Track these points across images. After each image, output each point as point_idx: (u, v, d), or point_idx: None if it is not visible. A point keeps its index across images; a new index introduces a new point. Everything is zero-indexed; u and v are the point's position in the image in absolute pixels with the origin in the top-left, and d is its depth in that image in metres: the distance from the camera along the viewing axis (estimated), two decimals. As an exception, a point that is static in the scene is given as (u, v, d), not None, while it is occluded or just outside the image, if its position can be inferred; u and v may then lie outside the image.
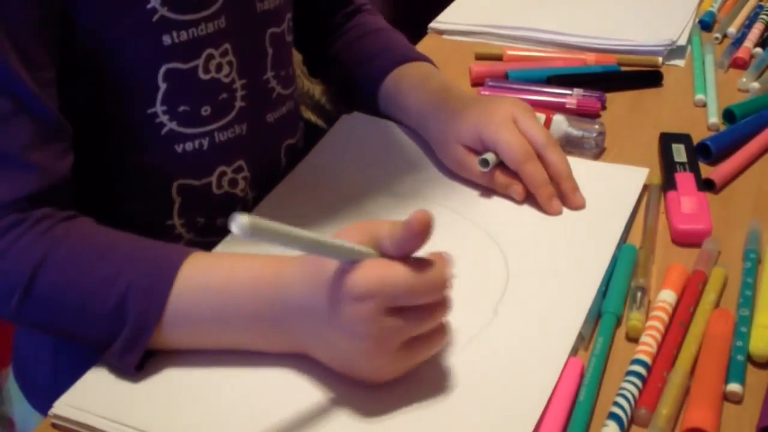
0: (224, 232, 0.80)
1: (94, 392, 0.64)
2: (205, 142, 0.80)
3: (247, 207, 0.85)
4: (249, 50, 0.82)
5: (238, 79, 0.81)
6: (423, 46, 1.17)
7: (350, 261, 0.59)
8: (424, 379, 0.63)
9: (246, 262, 0.66)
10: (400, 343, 0.60)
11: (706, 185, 0.84)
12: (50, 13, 0.69)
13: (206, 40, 0.77)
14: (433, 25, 1.20)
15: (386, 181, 0.87)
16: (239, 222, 0.49)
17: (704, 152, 0.90)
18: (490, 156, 0.82)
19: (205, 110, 0.79)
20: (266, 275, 0.64)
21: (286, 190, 0.86)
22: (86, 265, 0.65)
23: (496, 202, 0.83)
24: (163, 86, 0.76)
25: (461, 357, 0.65)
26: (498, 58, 1.13)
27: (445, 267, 0.60)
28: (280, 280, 0.63)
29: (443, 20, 1.20)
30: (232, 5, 0.78)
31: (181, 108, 0.78)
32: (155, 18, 0.73)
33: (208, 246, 0.77)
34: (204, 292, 0.64)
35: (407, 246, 0.59)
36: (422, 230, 0.58)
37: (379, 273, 0.58)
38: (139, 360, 0.64)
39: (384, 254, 0.60)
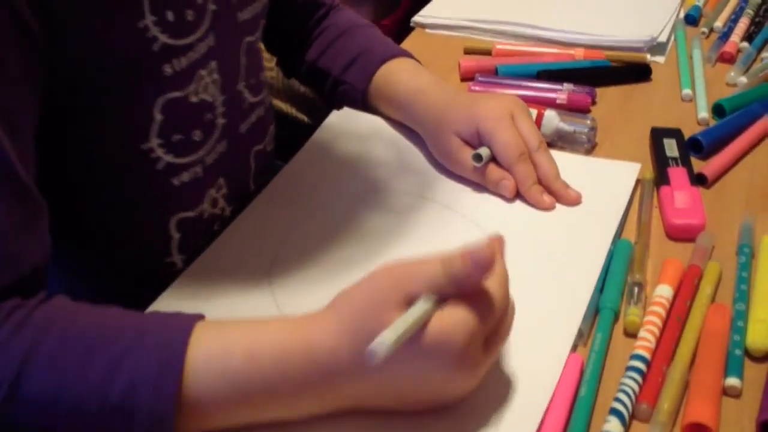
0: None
1: None
2: (199, 170, 0.77)
3: (226, 223, 0.81)
4: (228, 64, 0.78)
5: (219, 96, 0.77)
6: (411, 42, 1.17)
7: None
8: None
9: (264, 335, 0.58)
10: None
11: (698, 180, 0.85)
12: (40, 62, 0.61)
13: (199, 62, 0.73)
14: (416, 19, 1.20)
15: (380, 178, 0.87)
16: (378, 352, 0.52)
17: (695, 147, 0.90)
18: (484, 151, 0.82)
19: (196, 135, 0.75)
20: (294, 348, 0.57)
21: (279, 187, 0.86)
22: (78, 362, 0.55)
23: (488, 199, 0.83)
24: (159, 118, 0.71)
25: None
26: (487, 52, 1.13)
27: (500, 271, 0.59)
28: (315, 352, 0.57)
29: (427, 14, 1.20)
30: (218, 20, 0.74)
31: (176, 137, 0.73)
32: (156, 47, 0.68)
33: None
34: (223, 378, 0.57)
35: (471, 281, 0.57)
36: (488, 264, 0.56)
37: (465, 317, 0.56)
38: None
39: (441, 294, 0.57)
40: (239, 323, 0.60)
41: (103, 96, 0.68)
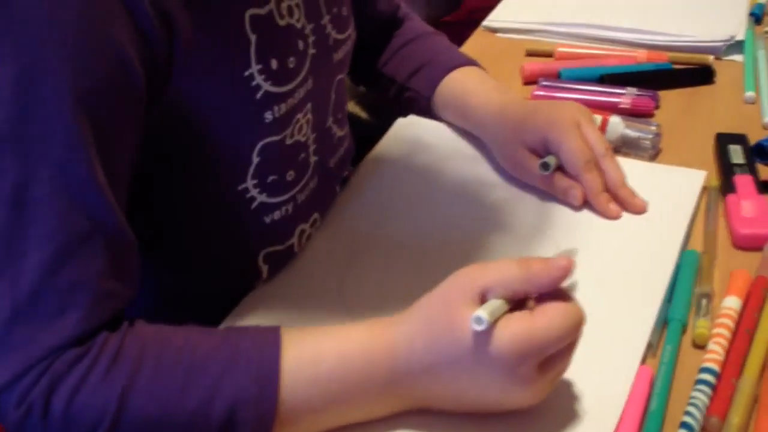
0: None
1: None
2: (290, 208, 0.77)
3: None
4: (321, 103, 0.80)
5: (311, 135, 0.78)
6: (473, 43, 1.18)
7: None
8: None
9: (352, 338, 0.61)
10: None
11: (765, 187, 0.85)
12: (139, 111, 0.62)
13: (298, 107, 0.74)
14: (486, 23, 1.21)
15: (445, 185, 0.89)
16: (481, 320, 0.56)
17: (761, 152, 0.90)
18: (551, 159, 0.84)
19: (290, 175, 0.76)
20: (380, 349, 0.60)
21: (346, 200, 0.88)
22: (177, 388, 0.57)
23: (557, 208, 0.85)
24: (256, 160, 0.72)
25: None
26: (549, 54, 1.14)
27: (575, 304, 0.60)
28: (397, 351, 0.60)
29: (495, 18, 1.21)
30: (316, 62, 0.76)
31: (270, 178, 0.74)
32: (259, 95, 0.69)
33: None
34: (315, 382, 0.60)
35: (547, 282, 0.59)
36: (565, 271, 0.59)
37: (527, 335, 0.58)
38: None
39: (515, 296, 0.60)
40: (322, 329, 0.63)
41: (205, 139, 0.68)
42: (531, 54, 1.15)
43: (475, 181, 0.89)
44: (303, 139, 0.77)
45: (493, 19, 1.21)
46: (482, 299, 0.59)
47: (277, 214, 0.76)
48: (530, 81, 1.08)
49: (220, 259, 0.77)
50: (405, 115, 1.00)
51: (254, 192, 0.73)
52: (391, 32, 1.03)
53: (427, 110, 0.98)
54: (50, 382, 0.56)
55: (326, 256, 0.81)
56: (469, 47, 1.16)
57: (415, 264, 0.79)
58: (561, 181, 0.84)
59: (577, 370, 0.66)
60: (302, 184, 0.78)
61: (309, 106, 0.76)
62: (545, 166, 0.84)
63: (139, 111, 0.62)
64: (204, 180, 0.72)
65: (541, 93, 1.03)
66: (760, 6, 1.20)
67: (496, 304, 0.58)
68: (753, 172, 0.86)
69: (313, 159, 0.79)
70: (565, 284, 0.61)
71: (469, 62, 0.98)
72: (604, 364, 0.67)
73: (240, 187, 0.72)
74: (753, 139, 0.92)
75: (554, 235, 0.81)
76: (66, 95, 0.55)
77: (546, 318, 0.58)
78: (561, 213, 0.84)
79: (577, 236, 0.80)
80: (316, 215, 0.82)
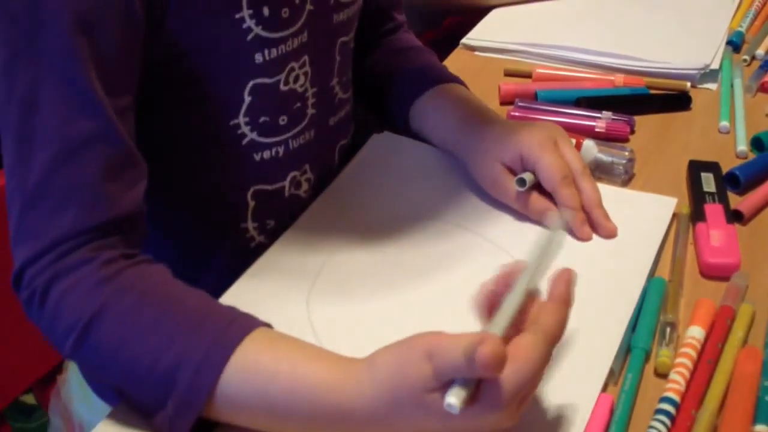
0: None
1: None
2: (281, 150, 0.84)
3: (305, 208, 0.88)
4: (321, 60, 0.85)
5: (310, 88, 0.84)
6: (452, 61, 1.18)
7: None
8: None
9: (311, 363, 0.61)
10: None
11: (735, 217, 0.85)
12: (138, 36, 0.69)
13: (291, 54, 0.80)
14: (465, 41, 1.21)
15: (418, 203, 0.88)
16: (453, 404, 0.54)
17: (732, 181, 0.91)
18: (527, 176, 0.84)
19: (282, 120, 0.83)
20: (330, 384, 0.60)
21: (318, 212, 0.88)
22: (143, 326, 0.62)
23: (528, 228, 0.84)
24: (247, 100, 0.78)
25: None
26: (527, 75, 1.14)
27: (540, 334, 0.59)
28: (345, 395, 0.59)
29: (475, 37, 1.21)
30: (314, 19, 0.81)
31: (262, 119, 0.81)
32: (249, 37, 0.75)
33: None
34: (258, 385, 0.61)
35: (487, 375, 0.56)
36: (499, 364, 0.55)
37: (508, 387, 0.56)
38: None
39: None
40: (290, 347, 0.63)
41: (199, 74, 0.75)
42: (509, 74, 1.15)
43: (447, 199, 0.89)
44: (300, 90, 0.83)
45: (472, 37, 1.21)
46: (439, 380, 0.56)
47: (266, 153, 0.83)
48: (507, 101, 1.08)
49: (214, 187, 0.83)
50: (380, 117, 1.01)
51: (245, 129, 0.80)
52: (381, 24, 1.05)
53: (404, 121, 0.98)
54: (52, 276, 0.64)
55: (296, 261, 0.81)
56: (447, 64, 1.14)
57: (384, 278, 0.79)
58: (537, 202, 0.84)
59: (539, 393, 0.66)
60: (296, 132, 0.85)
61: (306, 59, 0.82)
62: (521, 181, 0.84)
63: (138, 41, 0.69)
64: (199, 113, 0.78)
65: (518, 114, 1.03)
66: (739, 34, 1.21)
67: (461, 384, 0.56)
68: (723, 201, 0.86)
69: (310, 112, 0.86)
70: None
71: (455, 79, 0.99)
72: (565, 390, 0.66)
73: (232, 122, 0.79)
74: (725, 167, 0.92)
75: (523, 257, 0.80)
76: (65, 17, 0.63)
77: (511, 368, 0.56)
78: (533, 233, 0.83)
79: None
80: (306, 166, 0.88)
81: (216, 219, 0.85)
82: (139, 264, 0.67)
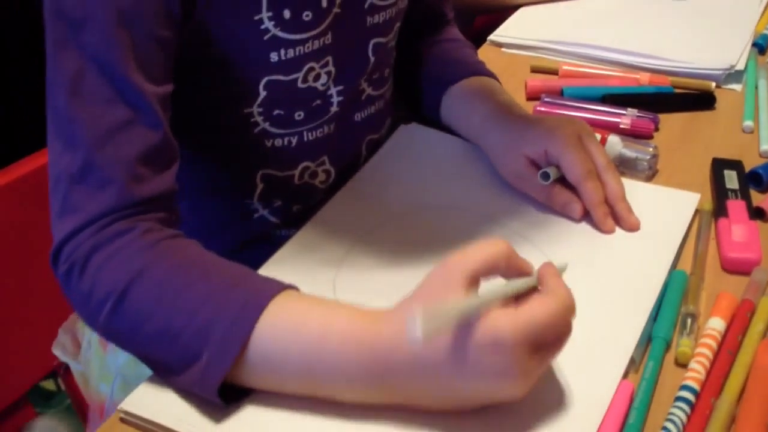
0: (301, 217, 0.88)
1: (163, 390, 0.67)
2: (294, 140, 0.87)
3: (321, 197, 0.91)
4: (349, 60, 0.87)
5: (333, 86, 0.86)
6: (480, 57, 1.19)
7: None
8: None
9: (342, 314, 0.64)
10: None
11: (757, 213, 0.86)
12: (174, 29, 0.73)
13: (310, 55, 0.82)
14: (492, 37, 1.23)
15: (443, 194, 0.90)
16: (414, 332, 0.56)
17: (755, 180, 0.92)
18: (551, 170, 0.85)
19: (299, 115, 0.85)
20: (365, 332, 0.62)
21: (341, 202, 0.89)
22: (180, 287, 0.65)
23: (551, 220, 0.86)
24: (263, 93, 0.82)
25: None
26: (554, 72, 1.15)
27: (567, 291, 0.62)
28: (380, 339, 0.61)
29: (502, 33, 1.23)
30: (341, 21, 0.82)
31: (276, 112, 0.84)
32: (266, 37, 0.78)
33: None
34: (291, 334, 0.63)
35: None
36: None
37: (516, 320, 0.59)
38: (218, 389, 0.63)
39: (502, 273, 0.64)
40: (319, 301, 0.66)
41: (218, 62, 0.79)
42: (535, 70, 1.16)
43: (472, 190, 0.90)
44: (322, 88, 0.85)
45: (499, 34, 1.23)
46: (470, 284, 0.61)
47: (278, 141, 0.86)
48: (533, 97, 1.09)
49: (227, 165, 0.88)
50: (412, 106, 1.02)
51: (258, 119, 0.84)
52: (437, 20, 1.08)
53: (435, 111, 1.00)
54: (93, 246, 0.67)
55: (320, 249, 0.82)
56: (475, 60, 1.17)
57: (407, 268, 0.80)
58: (561, 194, 0.85)
59: (560, 379, 0.67)
60: (313, 126, 0.87)
61: (329, 59, 0.84)
62: (545, 175, 0.85)
63: (174, 33, 0.73)
64: (215, 97, 0.82)
65: (544, 109, 1.04)
66: (765, 36, 1.22)
67: (477, 300, 0.59)
68: (746, 197, 0.87)
69: (334, 110, 0.88)
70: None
71: (489, 74, 1.01)
72: (587, 376, 0.68)
73: (246, 111, 0.83)
74: (748, 166, 0.93)
75: (546, 248, 0.82)
76: (108, 12, 0.68)
77: (538, 303, 0.60)
78: (556, 225, 0.85)
79: (569, 249, 0.81)
80: (324, 158, 0.91)
81: (227, 192, 0.90)
82: (175, 237, 0.70)
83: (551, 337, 0.61)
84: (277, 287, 0.65)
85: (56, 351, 1.00)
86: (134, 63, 0.69)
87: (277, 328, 0.63)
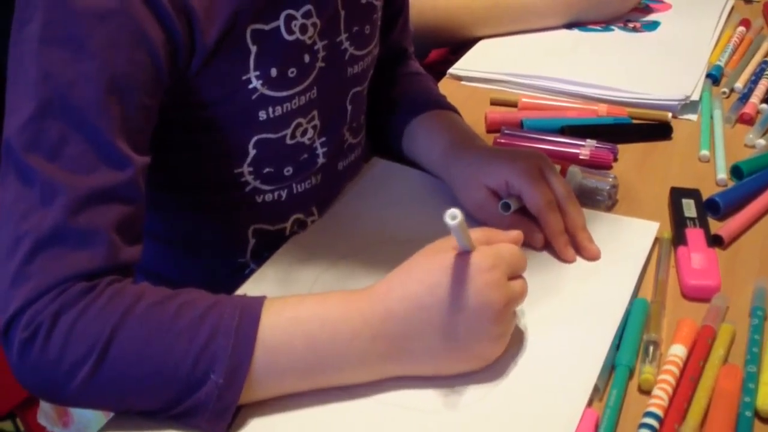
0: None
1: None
2: (284, 194, 0.88)
3: None
4: (332, 112, 0.88)
5: (318, 139, 0.88)
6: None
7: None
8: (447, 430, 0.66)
9: (333, 293, 0.70)
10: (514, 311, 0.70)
11: (715, 241, 0.88)
12: (161, 98, 0.72)
13: (297, 111, 0.83)
14: (451, 71, 1.24)
15: (407, 227, 0.90)
16: (455, 215, 0.64)
17: (713, 207, 0.93)
18: (512, 200, 0.85)
19: (288, 170, 0.86)
20: (361, 293, 0.69)
21: (313, 235, 0.89)
22: (167, 318, 0.65)
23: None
24: (252, 152, 0.82)
25: (479, 406, 0.68)
26: (513, 104, 1.16)
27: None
28: (375, 292, 0.69)
29: (462, 66, 1.24)
30: (325, 75, 0.84)
31: (266, 170, 0.85)
32: (254, 96, 0.79)
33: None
34: (294, 321, 0.67)
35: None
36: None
37: (495, 249, 0.70)
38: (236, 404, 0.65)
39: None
40: (304, 295, 0.72)
41: (206, 124, 0.79)
42: (495, 103, 1.17)
43: (436, 223, 0.89)
44: (308, 142, 0.86)
45: (459, 67, 1.24)
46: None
47: (268, 197, 0.87)
48: (493, 129, 1.10)
49: (216, 222, 0.87)
50: (374, 138, 1.03)
51: (249, 177, 0.84)
52: (398, 55, 1.09)
53: (396, 139, 1.01)
54: (58, 308, 0.63)
55: (291, 277, 0.83)
56: (435, 94, 1.18)
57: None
58: (522, 224, 0.86)
59: (524, 408, 0.68)
60: (301, 179, 0.88)
61: (315, 113, 0.85)
62: (506, 206, 0.85)
63: (160, 102, 0.73)
64: (204, 158, 0.82)
65: (504, 141, 1.05)
66: (718, 68, 1.24)
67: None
68: (704, 225, 0.89)
69: (321, 161, 0.89)
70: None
71: (450, 107, 1.02)
72: (551, 405, 0.68)
73: (236, 171, 0.83)
74: (705, 194, 0.95)
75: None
76: (100, 76, 0.67)
77: (502, 245, 0.71)
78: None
79: (531, 278, 0.81)
80: (313, 207, 0.91)
81: (217, 249, 0.89)
82: (140, 284, 0.69)
83: (521, 269, 0.72)
84: (260, 297, 0.68)
85: (41, 420, 0.98)
86: (122, 131, 0.68)
87: (278, 325, 0.66)
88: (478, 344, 0.69)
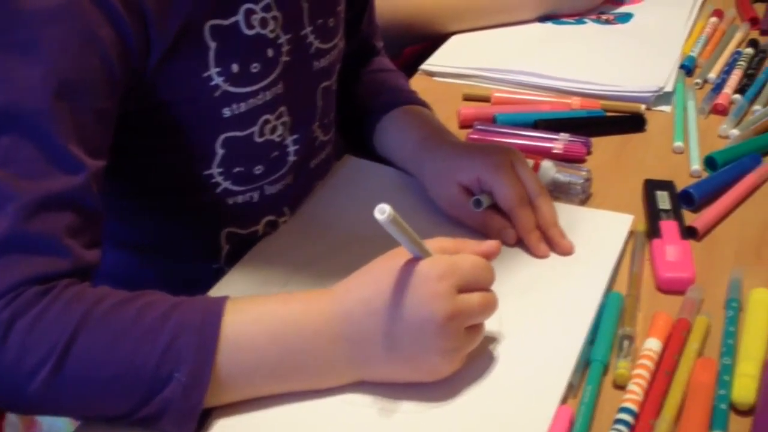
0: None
1: None
2: (256, 195, 0.86)
3: None
4: (301, 108, 0.87)
5: (289, 136, 0.86)
6: (412, 87, 1.19)
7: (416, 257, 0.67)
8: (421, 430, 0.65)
9: (295, 293, 0.71)
10: (465, 326, 0.67)
11: (689, 233, 0.87)
12: (116, 102, 0.71)
13: (263, 107, 0.81)
14: (424, 67, 1.23)
15: (379, 225, 0.88)
16: (384, 210, 0.62)
17: (687, 199, 0.92)
18: (484, 197, 0.85)
19: (258, 169, 0.85)
20: (321, 293, 0.68)
21: (286, 236, 0.88)
22: (131, 317, 0.64)
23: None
24: (220, 152, 0.81)
25: (452, 405, 0.67)
26: (486, 99, 1.15)
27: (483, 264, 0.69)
28: (335, 292, 0.68)
29: (434, 62, 1.23)
30: (290, 70, 0.83)
31: (236, 169, 0.83)
32: (217, 93, 0.77)
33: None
34: (258, 320, 0.66)
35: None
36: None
37: (452, 259, 0.67)
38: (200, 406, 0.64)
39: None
40: (266, 296, 0.71)
41: (171, 126, 0.78)
42: (468, 98, 1.16)
43: (408, 220, 0.88)
44: (278, 140, 0.85)
45: (431, 63, 1.23)
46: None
47: (240, 198, 0.85)
48: (466, 124, 1.09)
49: (188, 228, 0.86)
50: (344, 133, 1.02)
51: (219, 179, 0.83)
52: (366, 52, 1.07)
53: (368, 135, 0.99)
54: (12, 314, 0.61)
55: (260, 279, 0.82)
56: (408, 90, 1.17)
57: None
58: (495, 221, 0.85)
59: (498, 406, 0.67)
60: (273, 179, 0.86)
61: (283, 109, 0.84)
62: (478, 203, 0.85)
63: (116, 105, 0.71)
64: (172, 161, 0.81)
65: (477, 136, 1.04)
66: (691, 59, 1.23)
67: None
68: (678, 217, 0.88)
69: (292, 159, 0.88)
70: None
71: (422, 103, 1.01)
72: (525, 402, 0.67)
73: (206, 172, 0.82)
74: (680, 186, 0.94)
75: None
76: (50, 82, 0.65)
77: (463, 255, 0.69)
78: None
79: (504, 274, 0.81)
80: (285, 208, 0.90)
81: (189, 254, 0.87)
82: (98, 286, 0.67)
83: (476, 283, 0.68)
84: (223, 296, 0.67)
85: (8, 430, 0.97)
86: (74, 135, 0.66)
87: (241, 323, 0.65)
88: (425, 356, 0.66)
